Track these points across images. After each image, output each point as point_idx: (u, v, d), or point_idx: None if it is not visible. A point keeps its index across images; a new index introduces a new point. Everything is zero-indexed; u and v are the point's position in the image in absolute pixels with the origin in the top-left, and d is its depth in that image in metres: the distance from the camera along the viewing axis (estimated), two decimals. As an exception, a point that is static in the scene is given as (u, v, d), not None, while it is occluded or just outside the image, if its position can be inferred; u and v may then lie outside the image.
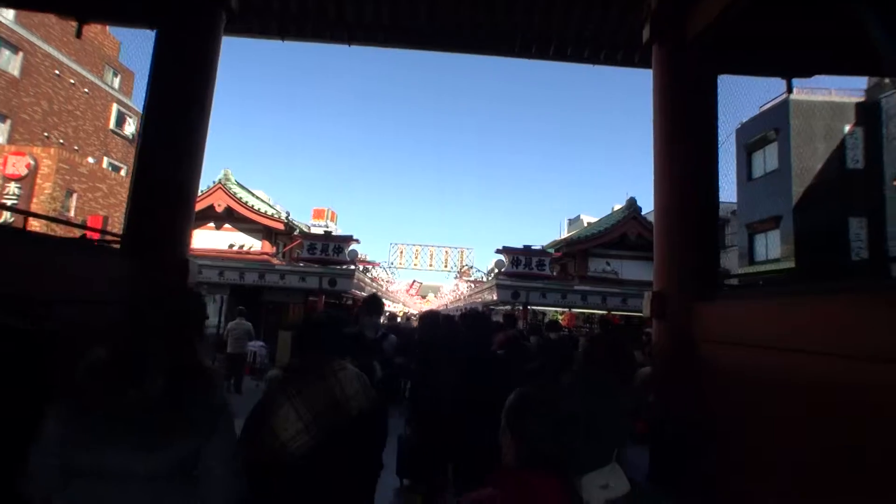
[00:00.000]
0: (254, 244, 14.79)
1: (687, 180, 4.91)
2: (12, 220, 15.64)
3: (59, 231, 16.55)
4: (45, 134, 19.75)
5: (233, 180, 14.62)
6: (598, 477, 2.43)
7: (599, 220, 17.07)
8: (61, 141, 20.44)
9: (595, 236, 14.57)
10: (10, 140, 17.60)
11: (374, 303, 4.01)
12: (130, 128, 24.55)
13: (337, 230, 49.09)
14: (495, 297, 13.59)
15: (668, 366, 4.86)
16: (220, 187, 14.10)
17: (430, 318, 4.71)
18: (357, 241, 13.66)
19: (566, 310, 14.18)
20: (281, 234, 15.03)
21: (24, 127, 18.83)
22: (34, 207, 15.71)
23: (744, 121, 17.50)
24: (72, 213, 16.78)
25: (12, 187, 15.57)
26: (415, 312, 42.28)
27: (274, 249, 14.86)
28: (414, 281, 37.19)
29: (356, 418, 1.78)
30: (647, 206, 16.16)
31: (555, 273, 15.40)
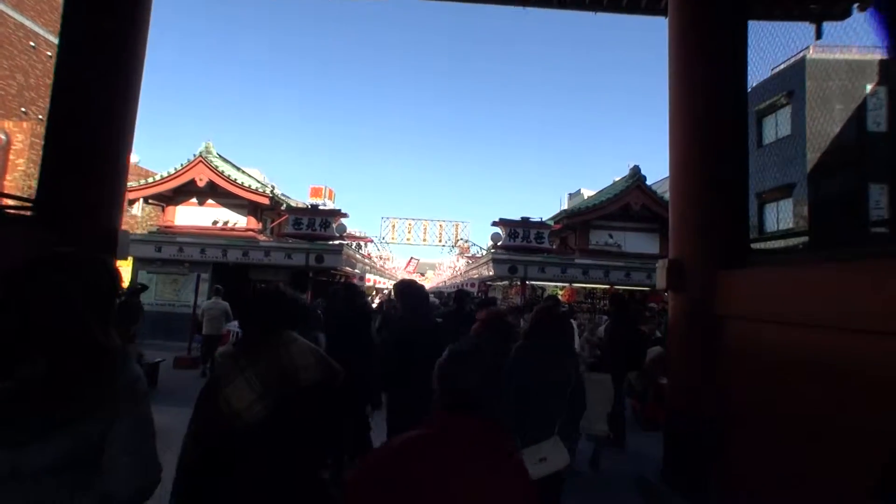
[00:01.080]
0: (238, 220, 14.09)
1: (711, 127, 4.15)
2: None
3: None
4: (23, 109, 18.89)
5: (214, 153, 13.83)
6: (536, 450, 2.51)
7: (601, 191, 16.27)
8: (40, 116, 19.54)
9: (596, 207, 13.81)
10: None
11: (299, 279, 3.77)
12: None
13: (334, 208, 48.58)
14: (492, 273, 12.95)
15: (685, 347, 4.15)
16: (200, 160, 13.33)
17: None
18: (345, 215, 12.98)
19: (566, 285, 13.54)
20: (267, 209, 14.31)
21: (-1, 102, 17.97)
22: (7, 186, 14.99)
23: (753, 84, 16.46)
24: (49, 191, 16.05)
25: (-17, 164, 14.83)
26: None
27: (260, 226, 14.17)
28: (411, 258, 36.60)
29: (308, 389, 1.79)
30: (652, 175, 15.33)
31: (554, 246, 14.72)
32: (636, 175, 13.83)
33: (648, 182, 13.98)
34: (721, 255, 3.62)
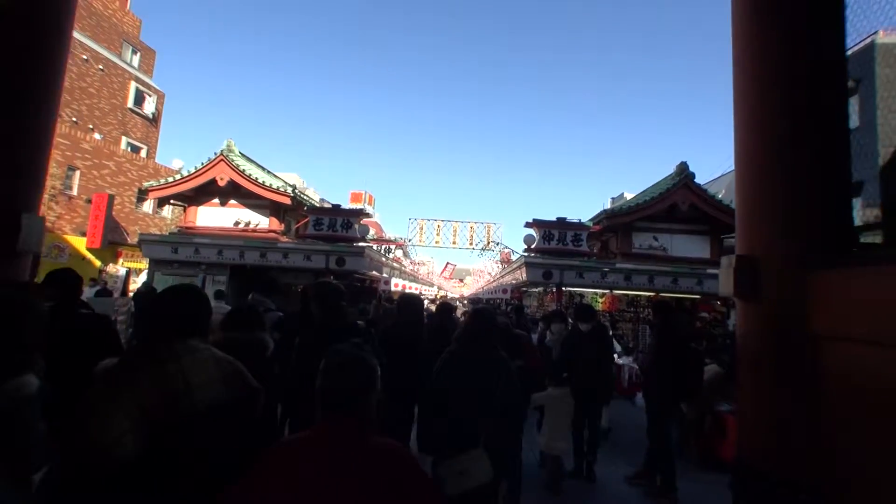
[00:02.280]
0: (261, 221, 13.61)
1: (798, 73, 3.04)
2: None
3: (59, 210, 15.97)
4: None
5: (236, 151, 13.40)
6: (455, 462, 2.35)
7: (644, 191, 15.03)
8: (74, 119, 19.80)
9: (640, 207, 12.62)
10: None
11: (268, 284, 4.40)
12: (150, 107, 23.86)
13: (374, 214, 48.34)
14: (525, 278, 11.96)
15: (764, 379, 3.02)
16: (221, 159, 12.90)
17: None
18: (368, 214, 12.30)
19: (606, 292, 12.41)
20: (290, 210, 13.78)
21: (34, 105, 18.21)
22: (35, 185, 15.01)
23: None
24: (74, 191, 16.05)
25: (12, 164, 14.87)
26: (454, 296, 41.37)
27: (282, 227, 13.64)
28: (447, 263, 35.92)
29: (204, 413, 1.46)
30: (701, 174, 14.06)
31: (594, 250, 13.63)
32: (683, 172, 12.60)
33: (698, 181, 12.74)
34: (815, 250, 2.54)
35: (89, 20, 21.43)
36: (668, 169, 14.67)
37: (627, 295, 12.66)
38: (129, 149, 21.63)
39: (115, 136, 21.70)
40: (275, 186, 12.83)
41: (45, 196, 15.25)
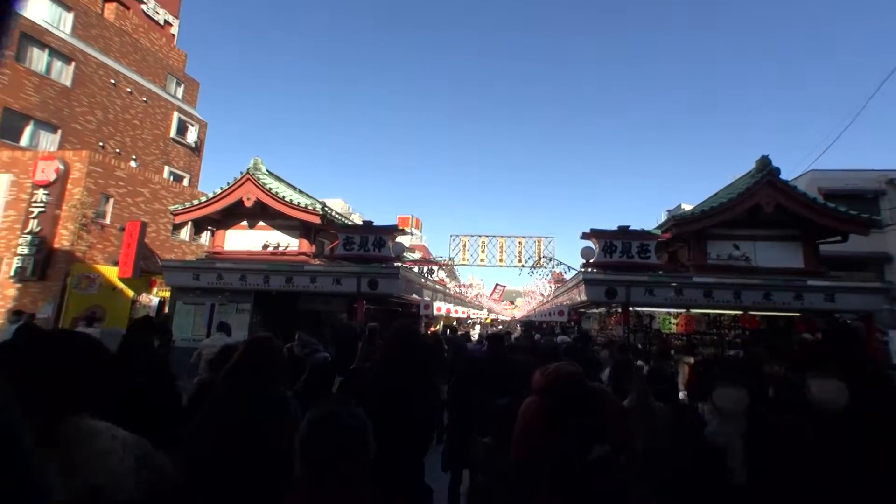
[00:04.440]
0: (290, 243, 12.68)
1: None
2: (39, 229, 14.91)
3: (91, 239, 15.69)
4: (101, 143, 19.31)
5: (263, 170, 12.60)
6: None
7: (716, 193, 13.10)
8: (117, 150, 19.98)
9: (715, 211, 10.76)
10: (61, 150, 17.11)
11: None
12: (193, 136, 24.01)
13: (423, 239, 47.52)
14: (584, 297, 10.34)
15: None
16: (248, 178, 12.11)
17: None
18: (403, 231, 11.08)
19: (682, 311, 10.58)
20: (322, 230, 12.79)
21: (76, 136, 18.43)
22: (63, 214, 14.80)
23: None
24: (107, 220, 15.77)
25: (40, 194, 14.72)
26: (506, 318, 39.43)
27: (313, 248, 12.64)
28: (497, 285, 34.34)
29: None
30: (786, 170, 12.06)
31: (662, 263, 11.82)
32: (766, 167, 10.70)
33: (785, 177, 10.82)
34: None
35: (135, 55, 21.89)
36: (725, 177, 12.75)
37: (708, 314, 10.75)
38: (171, 178, 21.65)
39: (158, 165, 21.82)
40: (303, 205, 11.87)
41: (76, 225, 15.11)
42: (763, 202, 10.59)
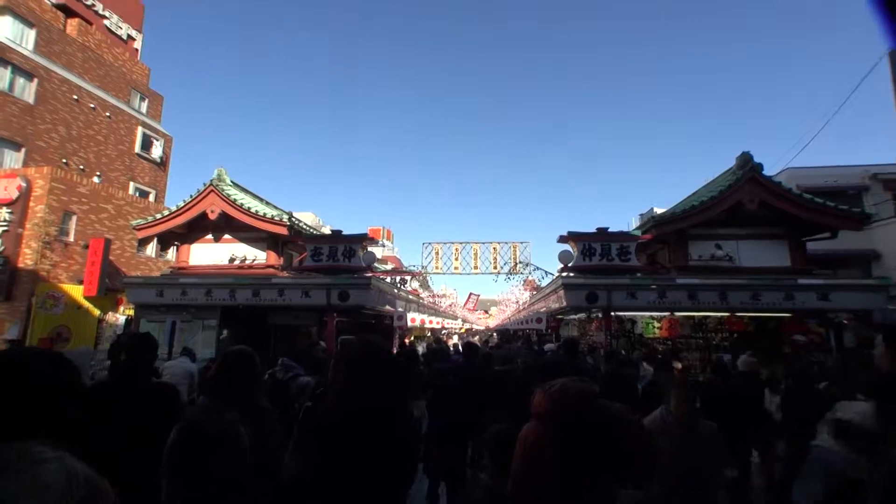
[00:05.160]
0: (258, 256, 12.10)
1: None
2: (2, 248, 14.18)
3: (54, 258, 14.95)
4: (64, 160, 18.57)
5: (227, 181, 12.05)
6: None
7: (695, 192, 12.81)
8: (81, 167, 19.24)
9: (695, 210, 10.42)
10: (24, 167, 16.41)
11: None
12: (158, 151, 23.37)
13: (395, 251, 47.09)
14: (564, 303, 9.90)
15: None
16: (212, 189, 11.55)
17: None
18: (373, 240, 10.58)
19: (665, 314, 10.18)
20: (290, 242, 12.23)
21: (39, 154, 17.70)
22: (26, 233, 14.10)
23: None
24: (71, 237, 15.05)
25: (3, 213, 14.06)
26: (480, 328, 39.07)
27: (281, 260, 12.07)
28: (470, 294, 33.89)
29: None
30: (769, 165, 11.89)
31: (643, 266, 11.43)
32: (748, 164, 10.42)
33: (767, 172, 10.55)
34: None
35: (98, 70, 21.26)
36: (697, 181, 12.49)
37: (693, 317, 10.37)
38: (137, 194, 20.95)
39: (123, 181, 21.09)
40: (269, 215, 11.33)
41: (39, 244, 14.40)
42: (746, 199, 10.29)
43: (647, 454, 1.74)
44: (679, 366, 8.01)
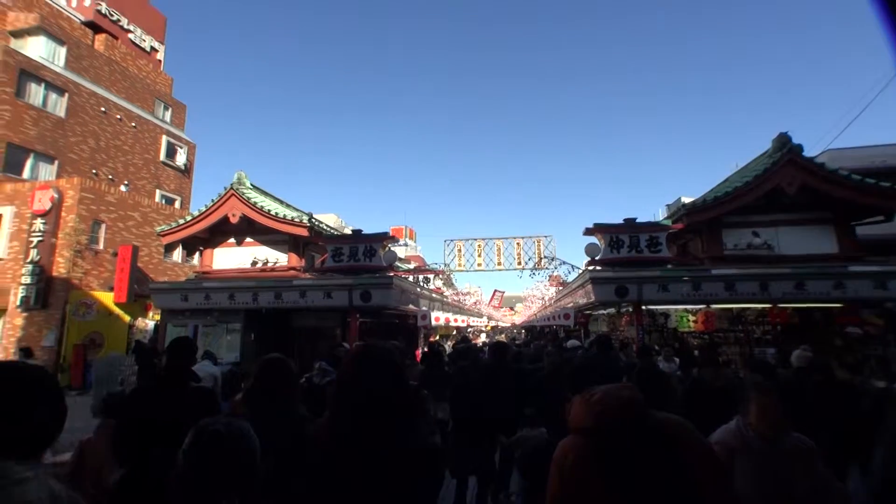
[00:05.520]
0: (279, 258, 12.07)
1: None
2: (38, 258, 14.58)
3: (85, 266, 15.30)
4: (94, 171, 19.07)
5: (247, 184, 12.05)
6: None
7: (728, 178, 12.16)
8: (111, 177, 19.73)
9: (731, 196, 9.86)
10: (56, 179, 16.91)
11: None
12: (182, 158, 23.82)
13: (417, 250, 47.00)
14: (592, 298, 9.50)
15: None
16: (232, 193, 11.56)
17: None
18: (394, 238, 10.37)
19: (700, 307, 9.68)
20: (311, 243, 12.16)
21: (71, 166, 18.22)
22: (59, 242, 14.51)
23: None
24: (101, 245, 15.40)
25: (38, 224, 14.52)
26: (505, 325, 38.63)
27: (303, 262, 11.99)
28: (495, 291, 33.54)
29: None
30: (809, 146, 11.16)
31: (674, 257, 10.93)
32: (785, 145, 9.80)
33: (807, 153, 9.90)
34: None
35: (124, 82, 21.80)
36: (726, 169, 11.89)
37: (730, 310, 9.82)
38: (163, 201, 21.38)
39: (150, 189, 21.57)
40: (290, 217, 11.26)
41: (71, 252, 14.76)
42: (785, 183, 9.67)
43: (717, 478, 1.39)
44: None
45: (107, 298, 14.90)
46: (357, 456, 1.40)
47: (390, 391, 1.47)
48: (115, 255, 15.27)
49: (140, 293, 15.16)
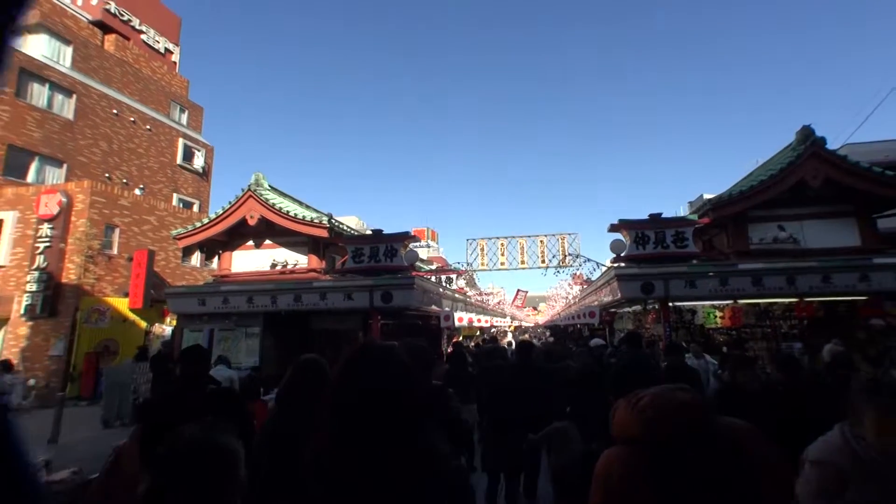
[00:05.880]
0: (299, 260, 12.04)
1: None
2: (45, 264, 14.54)
3: (98, 271, 15.29)
4: (107, 175, 19.06)
5: (265, 185, 12.03)
6: None
7: (751, 173, 12.07)
8: (125, 181, 19.72)
9: (756, 190, 9.77)
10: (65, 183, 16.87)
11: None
12: (200, 161, 23.77)
13: (440, 251, 46.81)
14: (618, 295, 9.42)
15: None
16: (250, 195, 11.54)
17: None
18: (415, 238, 10.32)
19: (727, 303, 9.59)
20: (331, 244, 12.12)
21: (81, 169, 18.17)
22: (69, 248, 14.43)
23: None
24: (114, 250, 15.37)
25: (45, 229, 14.38)
26: (529, 325, 38.42)
27: (323, 264, 11.97)
28: (518, 290, 33.46)
29: None
30: (832, 138, 11.02)
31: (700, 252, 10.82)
32: (809, 138, 9.71)
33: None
34: None
35: (137, 84, 21.77)
36: (746, 166, 11.78)
37: (757, 304, 9.74)
38: (181, 205, 21.37)
39: (167, 193, 21.56)
40: (309, 218, 11.22)
41: (82, 258, 14.70)
42: (809, 176, 9.59)
43: (783, 497, 1.27)
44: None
45: (121, 304, 14.79)
46: (354, 457, 1.32)
47: (388, 391, 1.38)
48: (130, 259, 15.22)
49: (157, 298, 15.15)
